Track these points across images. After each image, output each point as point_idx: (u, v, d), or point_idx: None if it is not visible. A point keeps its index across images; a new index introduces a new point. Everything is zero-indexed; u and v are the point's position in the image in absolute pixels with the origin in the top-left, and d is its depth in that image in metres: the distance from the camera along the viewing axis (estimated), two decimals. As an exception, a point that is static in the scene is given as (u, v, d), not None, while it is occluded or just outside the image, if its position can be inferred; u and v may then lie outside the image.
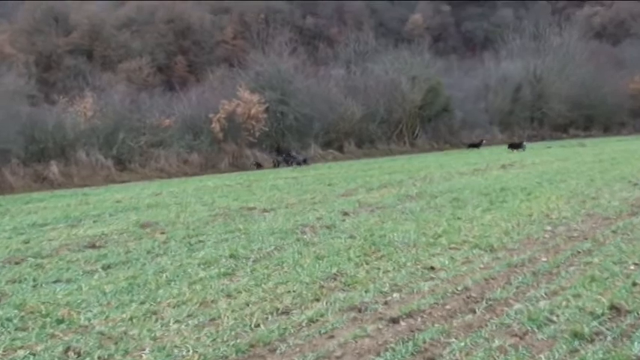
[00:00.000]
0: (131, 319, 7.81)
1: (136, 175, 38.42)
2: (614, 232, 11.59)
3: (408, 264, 9.86)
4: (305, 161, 42.05)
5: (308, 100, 48.66)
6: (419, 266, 9.69)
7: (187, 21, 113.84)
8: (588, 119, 70.71)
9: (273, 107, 46.27)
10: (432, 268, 9.57)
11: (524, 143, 46.91)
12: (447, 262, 9.83)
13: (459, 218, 13.74)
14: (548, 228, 12.29)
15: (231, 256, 10.99)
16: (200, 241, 12.62)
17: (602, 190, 17.37)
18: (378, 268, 9.66)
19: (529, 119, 67.57)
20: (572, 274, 8.97)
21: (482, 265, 9.67)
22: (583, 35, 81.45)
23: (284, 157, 43.64)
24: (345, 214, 15.28)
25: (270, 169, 39.63)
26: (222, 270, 10.02)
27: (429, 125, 56.97)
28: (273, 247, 11.64)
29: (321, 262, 10.26)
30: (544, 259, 9.82)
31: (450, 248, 10.86)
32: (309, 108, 48.05)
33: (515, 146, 46.17)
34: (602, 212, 13.75)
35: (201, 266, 10.39)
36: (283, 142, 46.95)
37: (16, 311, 8.23)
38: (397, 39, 77.95)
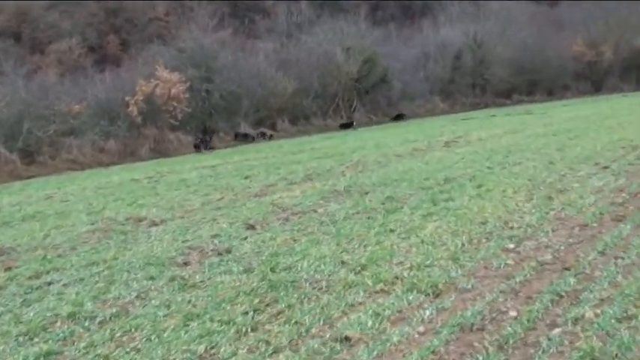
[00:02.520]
0: None
1: (45, 169, 34.71)
2: (601, 252, 8.36)
3: (313, 330, 6.61)
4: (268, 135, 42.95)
5: (235, 77, 45.19)
6: (328, 336, 6.41)
7: None
8: (531, 84, 68.31)
9: (198, 86, 42.75)
10: (347, 339, 6.30)
11: (355, 123, 46.92)
12: (369, 325, 6.55)
13: (392, 231, 10.48)
14: (511, 246, 9.08)
15: (71, 316, 7.71)
16: (46, 284, 9.28)
17: (568, 177, 14.14)
18: (267, 343, 6.37)
19: (471, 86, 64.76)
20: (558, 348, 5.74)
21: (421, 329, 6.42)
22: (521, -2, 79.16)
23: (257, 133, 43.28)
24: (251, 227, 11.98)
25: (193, 154, 36.25)
26: (45, 347, 6.78)
27: (366, 98, 53.78)
28: (135, 295, 8.41)
29: (190, 326, 7.03)
30: (512, 314, 6.58)
31: (377, 292, 7.60)
32: (237, 85, 44.60)
33: (345, 126, 46.88)
34: (577, 215, 10.51)
35: (21, 338, 7.15)
36: (210, 122, 43.50)
37: None
38: (334, 9, 74.37)
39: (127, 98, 37.99)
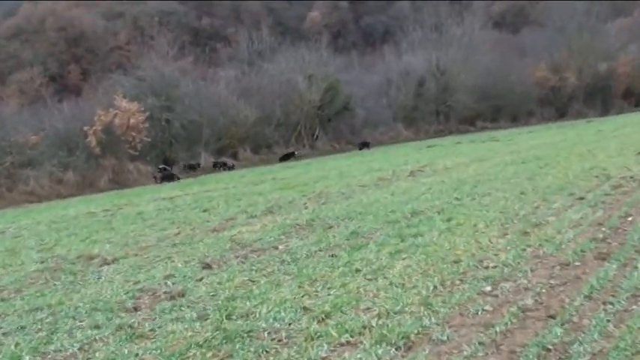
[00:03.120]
0: None
1: (2, 202, 33.79)
2: (588, 297, 7.63)
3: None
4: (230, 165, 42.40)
5: (196, 105, 44.44)
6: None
7: (79, 28, 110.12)
8: (496, 110, 68.36)
9: (158, 115, 41.96)
10: (310, 403, 5.54)
11: (296, 152, 46.33)
12: (335, 387, 5.80)
13: (357, 271, 9.71)
14: (487, 288, 8.32)
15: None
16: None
17: (542, 210, 13.44)
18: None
19: (434, 113, 64.59)
20: None
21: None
22: (484, 25, 79.15)
23: (217, 163, 42.91)
24: (207, 266, 11.18)
25: (153, 185, 35.34)
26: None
27: (329, 126, 53.36)
28: (78, 347, 7.59)
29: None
30: (496, 376, 5.85)
31: (342, 345, 6.83)
32: (198, 113, 43.83)
33: (286, 157, 45.70)
34: (557, 253, 9.78)
35: None
36: (171, 152, 42.65)
37: None
38: (295, 37, 73.99)
39: (85, 128, 37.09)
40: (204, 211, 19.21)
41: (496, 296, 8.00)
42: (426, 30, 72.49)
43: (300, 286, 9.17)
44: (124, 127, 38.06)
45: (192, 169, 42.09)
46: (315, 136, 52.05)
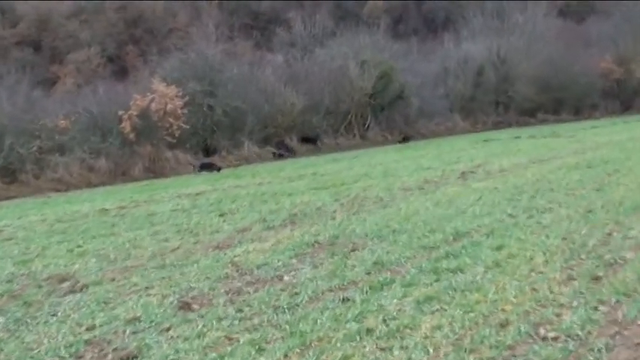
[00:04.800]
0: None
1: (27, 189, 31.81)
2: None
3: None
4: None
5: (240, 91, 42.00)
6: None
7: (139, 8, 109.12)
8: (557, 102, 64.78)
9: (199, 100, 39.66)
10: None
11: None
12: None
13: (369, 331, 7.18)
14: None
15: None
16: None
17: (616, 238, 10.65)
18: None
19: (494, 104, 61.31)
20: None
21: None
22: (548, 13, 75.60)
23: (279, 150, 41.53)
24: (186, 306, 8.77)
25: (188, 176, 33.13)
26: None
27: (381, 115, 50.36)
28: None
29: None
30: None
31: None
32: (242, 100, 41.37)
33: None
34: (641, 317, 7.13)
35: None
36: (212, 140, 40.34)
37: None
38: (354, 22, 71.26)
39: (120, 113, 34.85)
40: (221, 215, 16.74)
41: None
42: (488, 17, 69.43)
43: (286, 356, 6.66)
44: (160, 112, 35.76)
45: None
46: (366, 126, 49.29)
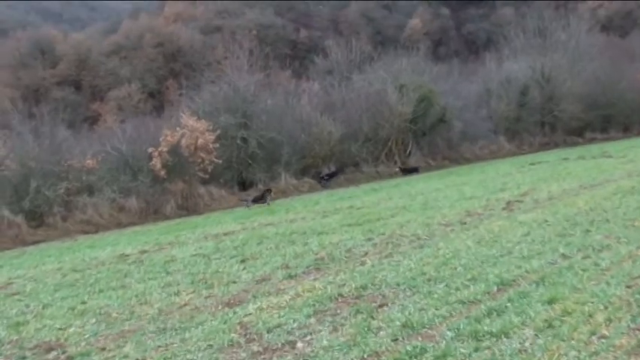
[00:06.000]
0: None
1: (54, 232, 30.70)
2: None
3: None
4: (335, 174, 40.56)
5: (275, 122, 40.71)
6: None
7: (177, 43, 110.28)
8: (605, 119, 62.50)
9: (233, 133, 38.37)
10: None
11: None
12: None
13: None
14: None
15: None
16: None
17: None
18: None
19: (539, 124, 59.18)
20: None
21: None
22: (590, 28, 73.58)
23: (322, 177, 40.54)
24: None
25: (223, 211, 31.90)
26: None
27: (423, 140, 48.57)
28: None
29: None
30: None
31: None
32: (277, 131, 40.04)
33: (408, 171, 42.00)
34: None
35: None
36: (247, 173, 38.98)
37: None
38: (393, 46, 69.87)
39: (149, 150, 33.62)
40: (242, 261, 15.24)
41: None
42: (529, 35, 67.57)
43: None
44: (191, 147, 34.43)
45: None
46: (407, 152, 47.56)
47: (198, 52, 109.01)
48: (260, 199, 32.58)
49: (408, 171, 43.01)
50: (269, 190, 33.69)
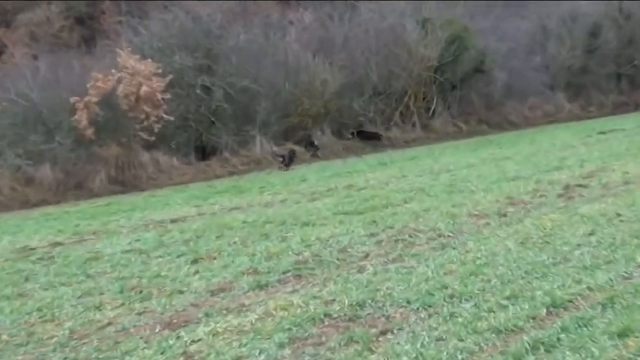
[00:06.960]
0: None
1: None
2: None
3: None
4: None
5: (250, 66, 40.71)
6: None
7: None
8: None
9: (191, 79, 38.36)
10: None
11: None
12: None
13: None
14: None
15: None
16: None
17: None
18: None
19: (614, 78, 59.47)
20: None
21: None
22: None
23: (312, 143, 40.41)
24: None
25: (175, 187, 32.16)
26: None
27: (452, 96, 48.77)
28: None
29: None
30: None
31: None
32: (251, 78, 40.06)
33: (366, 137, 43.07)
34: None
35: None
36: (209, 135, 38.99)
37: None
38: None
39: (72, 100, 33.49)
40: (194, 262, 15.21)
41: None
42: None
43: None
44: (132, 97, 34.35)
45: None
46: (430, 112, 47.70)
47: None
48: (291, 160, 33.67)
49: (365, 136, 43.46)
50: (312, 144, 34.73)
